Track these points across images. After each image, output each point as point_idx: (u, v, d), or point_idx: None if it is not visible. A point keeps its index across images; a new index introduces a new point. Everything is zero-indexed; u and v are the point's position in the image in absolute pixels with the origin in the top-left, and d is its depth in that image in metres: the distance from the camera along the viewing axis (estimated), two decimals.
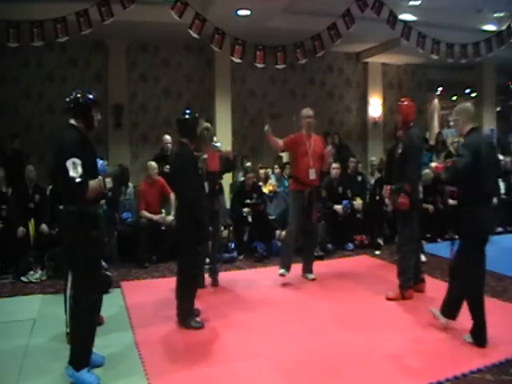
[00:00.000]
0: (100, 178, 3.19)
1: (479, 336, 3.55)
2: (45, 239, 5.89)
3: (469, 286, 3.61)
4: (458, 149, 11.12)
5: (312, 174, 5.29)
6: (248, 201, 6.86)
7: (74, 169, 2.96)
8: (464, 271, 3.62)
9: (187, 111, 4.23)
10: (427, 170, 4.14)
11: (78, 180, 2.96)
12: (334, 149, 9.41)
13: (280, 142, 5.43)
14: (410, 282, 4.66)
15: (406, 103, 4.79)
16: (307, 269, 5.56)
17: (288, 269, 5.36)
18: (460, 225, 3.71)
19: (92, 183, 3.07)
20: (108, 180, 3.31)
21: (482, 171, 3.48)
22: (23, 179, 6.34)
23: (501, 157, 8.88)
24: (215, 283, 5.33)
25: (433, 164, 4.01)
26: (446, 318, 3.78)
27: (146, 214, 6.42)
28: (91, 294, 3.16)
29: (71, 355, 3.12)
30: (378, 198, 7.15)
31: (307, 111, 5.43)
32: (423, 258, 6.20)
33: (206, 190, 4.94)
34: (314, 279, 5.46)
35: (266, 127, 5.26)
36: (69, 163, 2.96)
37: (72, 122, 3.16)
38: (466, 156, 3.46)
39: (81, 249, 3.09)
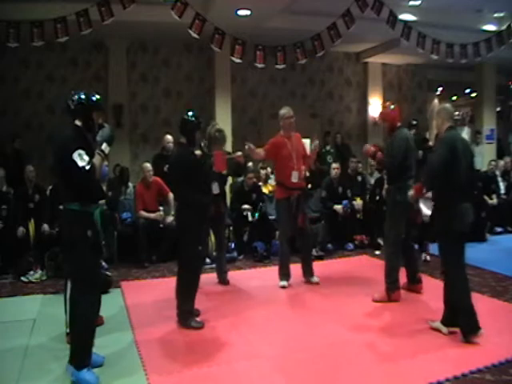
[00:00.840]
0: (98, 151, 3.19)
1: (469, 331, 3.55)
2: (45, 239, 5.90)
3: (452, 283, 3.64)
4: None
5: (295, 177, 5.10)
6: (250, 218, 6.84)
7: (81, 159, 3.01)
8: (446, 269, 3.69)
9: (190, 113, 4.22)
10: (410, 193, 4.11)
11: (87, 168, 3.02)
12: (333, 148, 9.49)
13: (261, 151, 5.21)
14: (396, 284, 4.61)
15: (390, 109, 4.70)
16: (308, 272, 5.35)
17: (288, 279, 5.27)
18: (435, 223, 3.77)
19: (94, 161, 3.11)
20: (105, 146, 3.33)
21: (457, 167, 3.55)
22: (23, 179, 6.35)
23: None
24: (225, 282, 5.35)
25: (410, 193, 4.05)
26: (447, 328, 3.75)
27: (143, 213, 6.41)
28: (90, 294, 3.15)
29: (71, 355, 3.12)
30: (377, 198, 7.16)
31: (288, 111, 5.25)
32: (427, 257, 6.21)
33: (216, 191, 4.94)
34: (317, 283, 5.28)
35: (247, 146, 5.06)
36: (75, 155, 3.00)
37: (72, 121, 3.17)
38: (440, 153, 3.58)
39: (78, 248, 3.09)
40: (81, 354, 3.11)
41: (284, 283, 5.22)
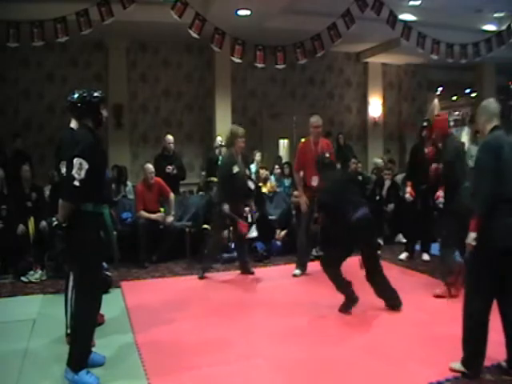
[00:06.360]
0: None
1: (470, 365, 3.14)
2: (46, 237, 5.88)
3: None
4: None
5: (314, 181, 5.19)
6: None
7: (79, 170, 2.89)
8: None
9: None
10: None
11: (76, 183, 2.90)
12: (335, 148, 9.47)
13: (300, 178, 5.53)
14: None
15: (441, 117, 5.09)
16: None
17: (302, 269, 5.55)
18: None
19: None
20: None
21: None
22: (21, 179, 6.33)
23: None
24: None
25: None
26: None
27: (143, 213, 6.39)
28: (92, 295, 3.12)
29: (70, 357, 3.06)
30: (378, 198, 7.16)
31: (316, 120, 5.39)
32: (427, 257, 6.22)
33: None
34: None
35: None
36: (76, 161, 2.90)
37: (82, 121, 3.11)
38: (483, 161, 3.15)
39: (87, 249, 3.04)
40: (80, 356, 3.07)
41: (297, 272, 5.50)
